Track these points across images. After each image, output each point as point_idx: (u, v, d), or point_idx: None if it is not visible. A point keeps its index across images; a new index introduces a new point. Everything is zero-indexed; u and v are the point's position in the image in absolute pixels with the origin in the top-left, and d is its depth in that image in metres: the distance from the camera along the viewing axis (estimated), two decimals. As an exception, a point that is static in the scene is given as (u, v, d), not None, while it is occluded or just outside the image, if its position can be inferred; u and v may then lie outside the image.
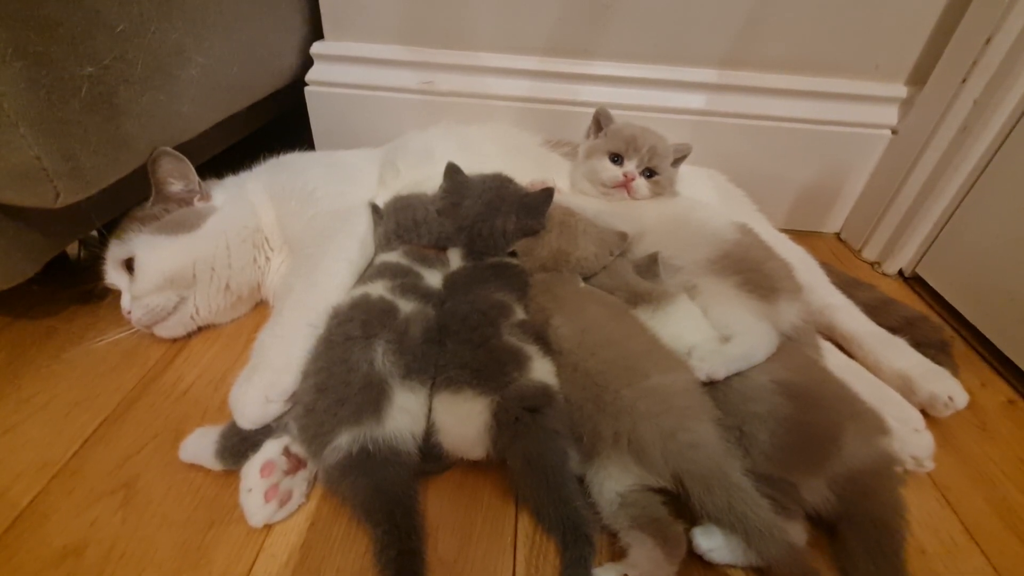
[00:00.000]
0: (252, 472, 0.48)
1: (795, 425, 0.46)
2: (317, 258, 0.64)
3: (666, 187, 0.76)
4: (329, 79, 0.96)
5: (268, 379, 0.52)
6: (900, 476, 0.47)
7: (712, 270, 0.61)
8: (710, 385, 0.50)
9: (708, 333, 0.56)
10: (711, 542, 0.44)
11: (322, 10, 0.92)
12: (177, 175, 0.69)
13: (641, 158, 0.73)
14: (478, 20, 0.89)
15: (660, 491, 0.45)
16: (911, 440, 0.53)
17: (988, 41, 0.74)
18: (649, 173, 0.75)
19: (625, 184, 0.74)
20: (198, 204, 0.71)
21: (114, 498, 0.50)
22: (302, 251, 0.68)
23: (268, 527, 0.48)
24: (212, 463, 0.51)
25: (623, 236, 0.67)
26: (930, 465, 0.53)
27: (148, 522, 0.48)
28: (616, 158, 0.75)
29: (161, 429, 0.57)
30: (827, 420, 0.46)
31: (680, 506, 0.45)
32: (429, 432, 0.51)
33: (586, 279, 0.65)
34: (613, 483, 0.45)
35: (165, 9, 0.62)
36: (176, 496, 0.50)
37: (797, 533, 0.44)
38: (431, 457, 0.50)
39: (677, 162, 0.78)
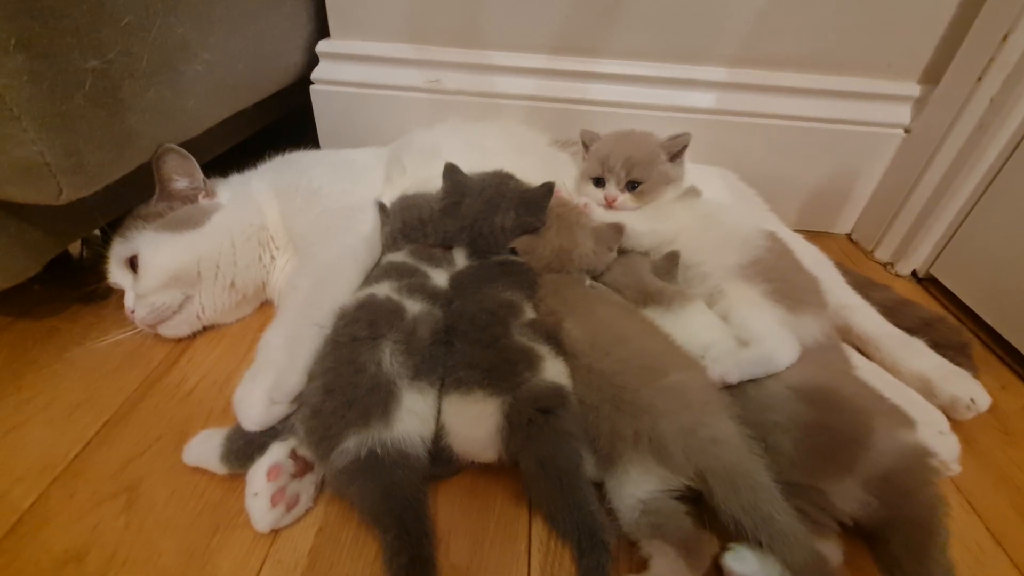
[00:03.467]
0: (258, 475, 0.47)
1: (818, 429, 0.45)
2: (323, 257, 0.64)
3: (654, 191, 0.72)
4: (335, 77, 0.95)
5: (273, 380, 0.51)
6: (935, 468, 0.45)
7: (742, 275, 0.60)
8: (727, 390, 0.49)
9: (723, 336, 0.55)
10: (745, 567, 0.42)
11: (328, 8, 0.91)
12: (182, 172, 0.68)
13: (618, 177, 0.71)
14: (485, 18, 0.88)
15: (682, 500, 0.44)
16: (936, 443, 0.52)
17: (1005, 38, 0.72)
18: (633, 185, 0.72)
19: (609, 206, 0.72)
20: (203, 201, 0.70)
21: (117, 502, 0.49)
22: (307, 249, 0.67)
23: (275, 532, 0.47)
24: (217, 466, 0.50)
25: (619, 229, 0.66)
26: (956, 468, 0.52)
27: (151, 527, 0.47)
28: (599, 181, 0.74)
29: (165, 431, 0.56)
30: (851, 420, 0.45)
31: (702, 517, 0.44)
32: (438, 435, 0.50)
33: (596, 277, 0.64)
34: (634, 488, 0.44)
35: (171, 3, 0.61)
36: (180, 500, 0.49)
37: (831, 551, 0.42)
38: (441, 461, 0.49)
39: (676, 155, 0.74)
